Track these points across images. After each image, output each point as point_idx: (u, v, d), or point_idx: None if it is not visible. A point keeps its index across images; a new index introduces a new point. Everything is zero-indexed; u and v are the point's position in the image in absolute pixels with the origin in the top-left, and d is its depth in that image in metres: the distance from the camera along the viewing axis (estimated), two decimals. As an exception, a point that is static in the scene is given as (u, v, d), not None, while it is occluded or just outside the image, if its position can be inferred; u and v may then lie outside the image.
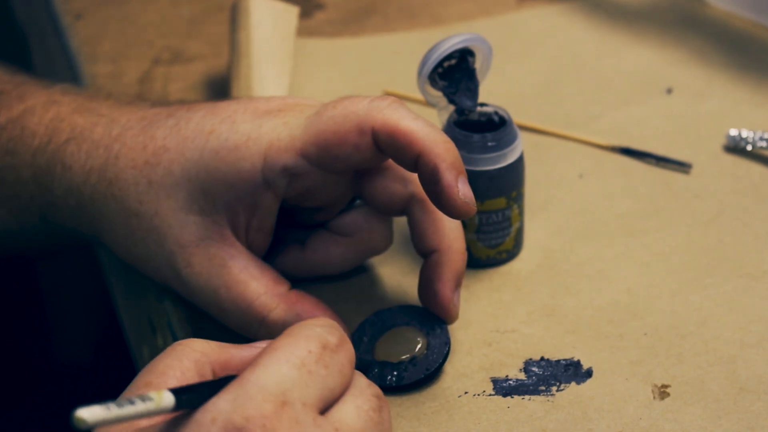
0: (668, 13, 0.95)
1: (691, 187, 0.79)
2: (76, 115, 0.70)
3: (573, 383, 0.65)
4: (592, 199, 0.78)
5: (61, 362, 1.19)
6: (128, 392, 0.54)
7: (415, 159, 0.63)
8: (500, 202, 0.71)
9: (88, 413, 0.47)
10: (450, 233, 0.66)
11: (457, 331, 0.68)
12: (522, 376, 0.66)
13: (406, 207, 0.67)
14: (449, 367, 0.66)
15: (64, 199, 0.69)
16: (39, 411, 1.12)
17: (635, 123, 0.85)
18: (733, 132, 0.81)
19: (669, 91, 0.87)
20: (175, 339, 0.70)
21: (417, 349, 0.65)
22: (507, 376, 0.66)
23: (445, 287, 0.66)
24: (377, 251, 0.70)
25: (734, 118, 0.84)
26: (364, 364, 0.65)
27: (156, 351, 0.77)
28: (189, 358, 0.55)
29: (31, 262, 1.19)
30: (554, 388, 0.65)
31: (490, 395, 0.65)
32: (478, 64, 0.71)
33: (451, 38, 0.69)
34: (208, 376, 0.55)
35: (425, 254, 0.66)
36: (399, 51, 0.93)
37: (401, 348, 0.66)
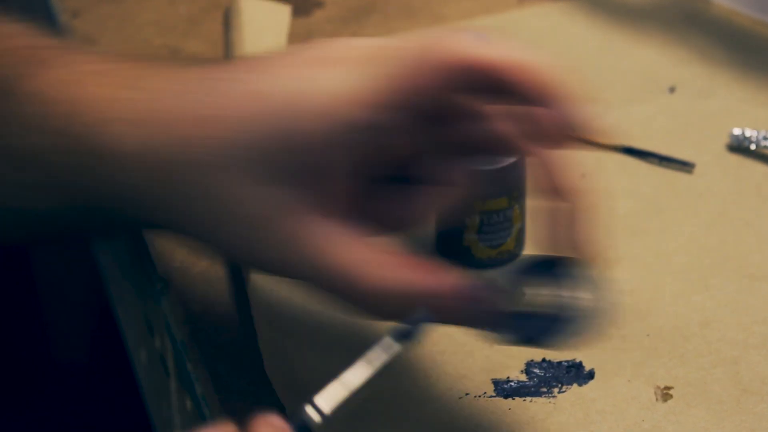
0: (671, 11, 0.95)
1: (694, 187, 0.79)
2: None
3: (575, 385, 0.65)
4: (594, 199, 0.78)
5: (58, 363, 1.19)
6: None
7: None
8: (502, 202, 0.71)
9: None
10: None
11: (457, 332, 0.68)
12: (523, 377, 0.66)
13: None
14: (450, 368, 0.66)
15: (111, 180, 0.61)
16: (36, 412, 1.13)
17: (638, 122, 0.84)
18: (737, 131, 0.81)
19: (672, 89, 0.87)
20: (173, 340, 0.70)
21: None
22: (508, 377, 0.66)
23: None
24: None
25: (738, 117, 0.84)
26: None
27: (154, 352, 0.77)
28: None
29: (28, 263, 1.19)
30: (556, 390, 0.65)
31: (491, 397, 0.65)
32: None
33: (451, 36, 0.69)
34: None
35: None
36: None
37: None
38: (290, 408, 0.63)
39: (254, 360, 0.66)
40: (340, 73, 0.57)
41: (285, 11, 0.87)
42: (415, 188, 0.61)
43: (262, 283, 0.70)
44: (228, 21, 0.86)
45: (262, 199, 0.58)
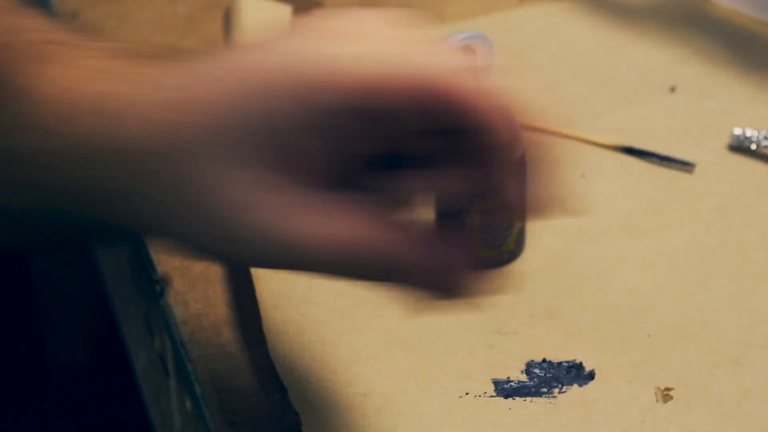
0: (671, 10, 0.95)
1: (695, 187, 0.78)
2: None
3: (575, 385, 0.65)
4: (594, 199, 0.78)
5: (57, 365, 1.19)
6: None
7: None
8: (502, 201, 0.71)
9: None
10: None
11: (458, 332, 0.68)
12: (524, 377, 0.66)
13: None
14: (450, 368, 0.66)
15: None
16: (36, 413, 1.12)
17: (638, 122, 0.84)
18: (738, 131, 0.81)
19: (672, 89, 0.87)
20: (173, 341, 0.70)
21: None
22: (508, 377, 0.66)
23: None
24: None
25: (739, 116, 0.84)
26: None
27: (153, 352, 0.77)
28: None
29: (27, 264, 1.19)
30: (556, 390, 0.65)
31: (491, 397, 0.65)
32: (479, 63, 0.70)
33: (451, 36, 0.69)
34: None
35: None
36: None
37: None
38: (292, 392, 0.63)
39: (256, 361, 0.66)
40: (333, 50, 0.55)
41: (285, 10, 0.87)
42: (406, 171, 0.58)
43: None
44: (228, 20, 0.86)
45: (247, 182, 0.56)
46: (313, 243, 0.55)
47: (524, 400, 0.65)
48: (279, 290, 0.70)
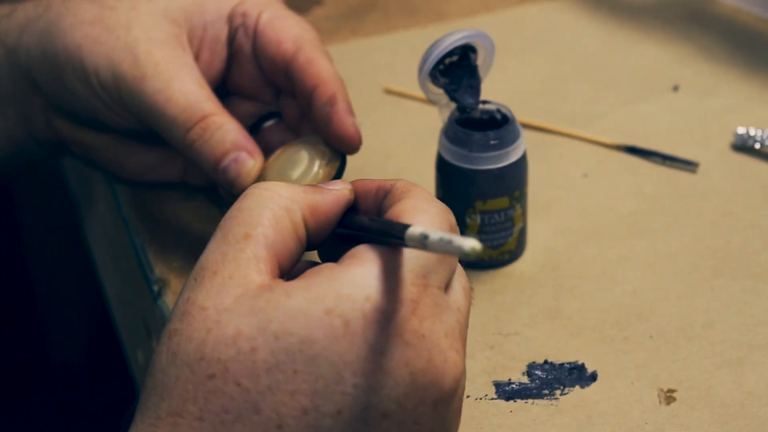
0: (674, 8, 0.95)
1: (698, 187, 0.78)
2: None
3: (577, 387, 0.65)
4: (596, 199, 0.78)
5: (55, 365, 1.19)
6: (224, 245, 0.52)
7: (314, 86, 0.68)
8: (503, 201, 0.70)
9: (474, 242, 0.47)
10: (327, 67, 0.69)
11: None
12: (525, 379, 0.65)
13: (288, 65, 0.70)
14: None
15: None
16: (33, 414, 1.12)
17: (641, 121, 0.84)
18: (741, 130, 0.80)
19: (675, 88, 0.87)
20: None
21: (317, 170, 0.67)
22: (510, 379, 0.65)
23: (346, 115, 0.68)
24: None
25: (742, 115, 0.84)
26: None
27: (151, 353, 0.76)
28: (279, 206, 0.53)
29: (24, 265, 1.19)
30: (558, 392, 0.65)
31: (492, 399, 0.64)
32: (480, 61, 0.70)
33: (452, 34, 0.69)
34: (300, 224, 0.54)
35: (307, 94, 0.69)
36: (399, 48, 0.92)
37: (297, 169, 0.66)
38: None
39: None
40: None
41: None
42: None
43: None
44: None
45: (163, 28, 0.69)
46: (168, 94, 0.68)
47: (526, 402, 0.64)
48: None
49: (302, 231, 0.54)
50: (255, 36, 0.71)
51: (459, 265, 0.55)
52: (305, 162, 0.67)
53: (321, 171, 0.67)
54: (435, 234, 0.48)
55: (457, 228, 0.55)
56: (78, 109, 0.70)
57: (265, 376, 0.49)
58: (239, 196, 0.54)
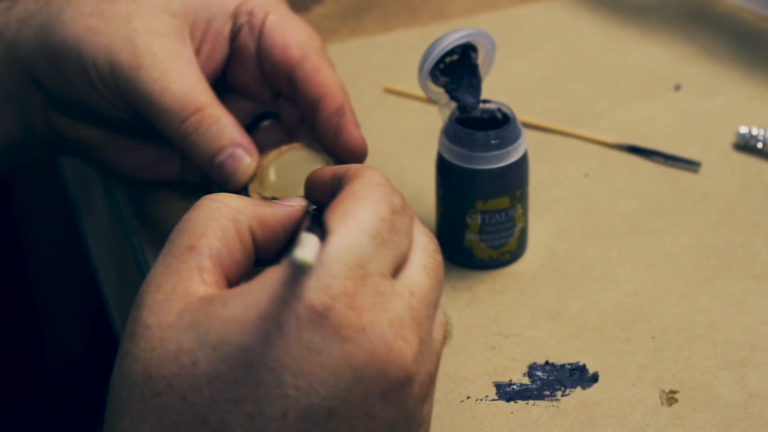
0: (676, 7, 0.95)
1: (700, 186, 0.78)
2: None
3: (578, 388, 0.65)
4: (597, 198, 0.77)
5: (53, 365, 1.19)
6: (169, 257, 0.52)
7: (320, 96, 0.68)
8: (503, 201, 0.70)
9: (310, 255, 0.47)
10: (333, 77, 0.69)
11: (458, 334, 0.68)
12: (526, 380, 0.65)
13: (292, 70, 0.70)
14: (451, 371, 0.65)
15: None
16: (31, 414, 1.12)
17: (642, 120, 0.84)
18: (743, 129, 0.80)
19: (677, 87, 0.87)
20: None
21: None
22: (510, 380, 0.65)
23: (354, 127, 0.68)
24: None
25: (744, 115, 0.84)
26: None
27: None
28: (226, 217, 0.54)
29: (23, 265, 1.19)
30: (559, 393, 0.64)
31: (493, 400, 0.64)
32: (480, 60, 0.70)
33: (453, 33, 0.69)
34: (247, 235, 0.54)
35: (312, 102, 0.69)
36: (399, 47, 0.92)
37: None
38: None
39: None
40: None
41: None
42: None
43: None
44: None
45: (163, 21, 0.69)
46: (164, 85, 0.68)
47: (527, 404, 0.64)
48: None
49: (249, 242, 0.54)
50: (260, 37, 0.71)
51: (425, 242, 0.54)
52: (316, 166, 0.67)
53: None
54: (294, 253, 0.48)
55: (406, 209, 0.54)
56: (77, 102, 0.70)
57: (207, 388, 0.50)
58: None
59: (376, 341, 0.50)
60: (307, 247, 0.48)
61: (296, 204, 0.56)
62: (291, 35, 0.70)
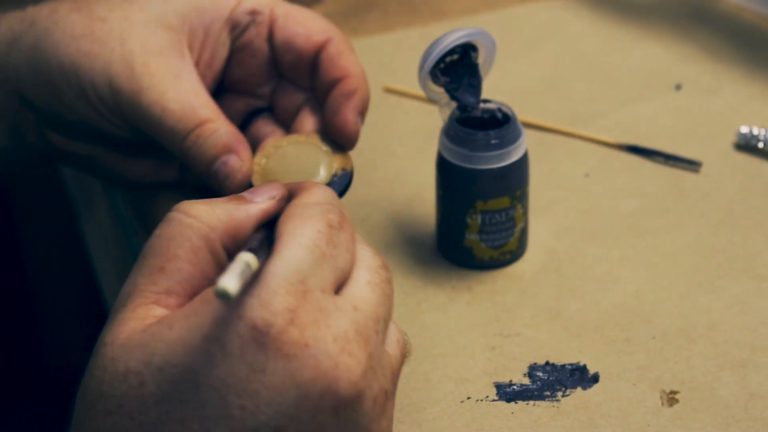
0: (677, 6, 0.95)
1: (701, 186, 0.78)
2: None
3: (579, 388, 0.65)
4: (598, 198, 0.77)
5: (53, 365, 1.19)
6: (139, 276, 0.53)
7: (340, 77, 0.69)
8: (504, 201, 0.70)
9: (232, 284, 0.47)
10: (356, 63, 0.70)
11: (458, 334, 0.67)
12: (526, 381, 0.65)
13: (318, 54, 0.70)
14: (451, 371, 0.65)
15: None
16: (30, 415, 1.12)
17: (643, 120, 0.84)
18: (744, 129, 0.80)
19: (678, 87, 0.87)
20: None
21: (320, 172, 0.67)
22: (511, 380, 0.65)
23: (353, 112, 0.68)
24: None
25: (745, 114, 0.84)
26: None
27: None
28: (198, 236, 0.53)
29: (23, 266, 1.19)
30: (560, 394, 0.64)
31: (493, 401, 0.64)
32: (481, 60, 0.70)
33: (453, 33, 0.69)
34: (220, 252, 0.54)
35: (330, 84, 0.69)
36: (399, 46, 0.92)
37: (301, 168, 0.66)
38: None
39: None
40: None
41: None
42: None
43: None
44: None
45: (158, 36, 0.69)
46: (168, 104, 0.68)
47: (527, 404, 0.64)
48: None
49: (224, 258, 0.54)
50: (272, 31, 0.71)
51: (368, 258, 0.54)
52: (324, 163, 0.67)
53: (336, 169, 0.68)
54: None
55: (344, 226, 0.54)
56: (75, 122, 0.70)
57: (154, 408, 0.50)
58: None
59: (321, 357, 0.50)
60: (230, 276, 0.48)
61: (265, 200, 0.56)
62: (310, 23, 0.71)
